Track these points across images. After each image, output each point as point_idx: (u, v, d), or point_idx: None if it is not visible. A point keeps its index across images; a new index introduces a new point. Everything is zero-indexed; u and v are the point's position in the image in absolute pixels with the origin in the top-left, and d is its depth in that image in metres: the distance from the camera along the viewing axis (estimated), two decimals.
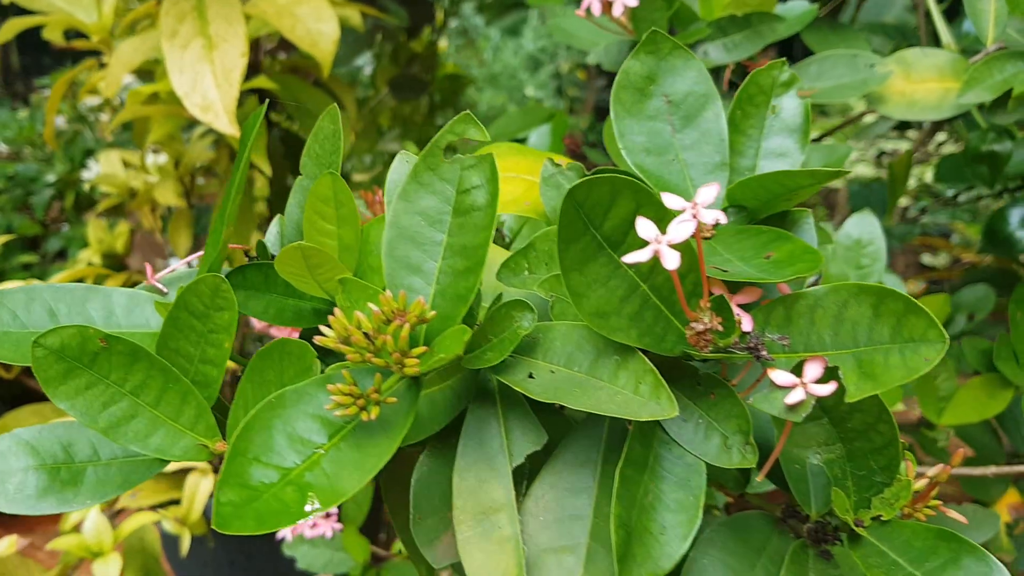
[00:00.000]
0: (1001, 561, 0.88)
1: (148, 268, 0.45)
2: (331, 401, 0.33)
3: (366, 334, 0.32)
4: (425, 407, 0.42)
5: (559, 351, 0.37)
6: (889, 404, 0.52)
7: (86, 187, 1.71)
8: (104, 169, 1.38)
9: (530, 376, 0.37)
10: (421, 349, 0.33)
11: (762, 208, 0.42)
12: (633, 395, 0.35)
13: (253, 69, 1.08)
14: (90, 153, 1.65)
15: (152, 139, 0.99)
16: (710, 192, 0.33)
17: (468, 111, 0.40)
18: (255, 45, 1.08)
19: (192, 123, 1.18)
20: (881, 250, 0.68)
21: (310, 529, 0.91)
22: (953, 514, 0.42)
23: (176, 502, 0.93)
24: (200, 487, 0.92)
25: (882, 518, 0.40)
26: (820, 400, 0.39)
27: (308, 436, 0.33)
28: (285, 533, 0.90)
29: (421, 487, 0.42)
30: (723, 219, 0.33)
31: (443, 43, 2.09)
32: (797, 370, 0.34)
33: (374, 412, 0.32)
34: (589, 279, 0.34)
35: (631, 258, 0.32)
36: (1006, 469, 0.69)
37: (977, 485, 0.85)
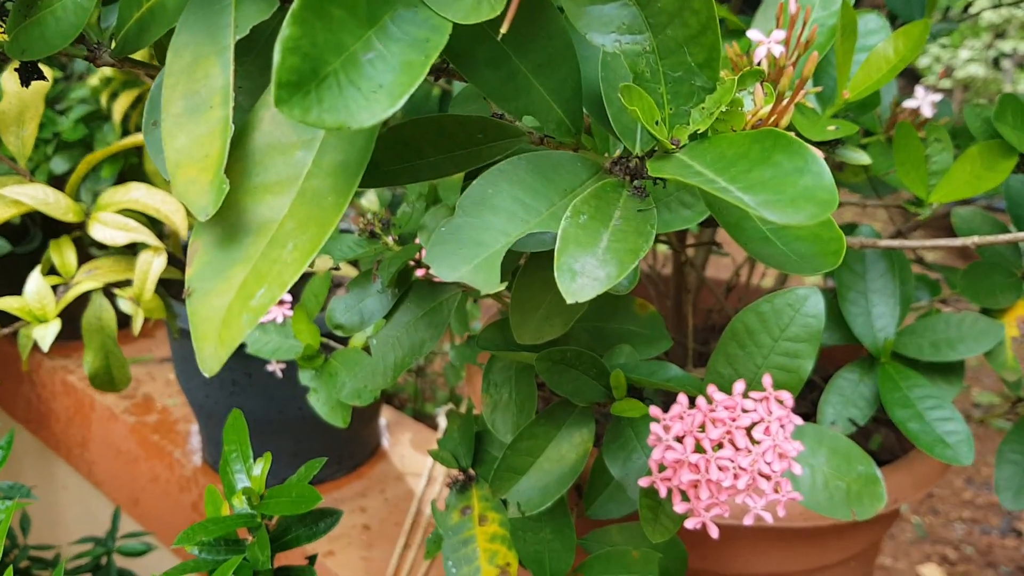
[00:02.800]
0: (1005, 381, 0.77)
1: None
2: None
3: None
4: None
5: None
6: None
7: None
8: None
9: None
10: None
11: None
12: None
13: None
14: None
15: None
16: None
17: None
18: None
19: None
20: None
21: None
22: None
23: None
24: (153, 265, 0.90)
25: (699, 132, 0.32)
26: None
27: None
28: None
29: (157, 90, 0.36)
30: None
31: None
32: None
33: None
34: None
35: None
36: (989, 239, 0.58)
37: (983, 292, 0.75)
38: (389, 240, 0.71)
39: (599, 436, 0.63)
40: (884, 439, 0.86)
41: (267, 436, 1.27)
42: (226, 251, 0.30)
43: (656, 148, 0.33)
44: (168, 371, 1.60)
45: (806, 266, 0.31)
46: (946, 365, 0.73)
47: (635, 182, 0.34)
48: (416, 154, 0.40)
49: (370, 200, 1.34)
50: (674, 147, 0.32)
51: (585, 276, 0.31)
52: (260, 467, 0.58)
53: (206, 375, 0.28)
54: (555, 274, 0.31)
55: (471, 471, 0.72)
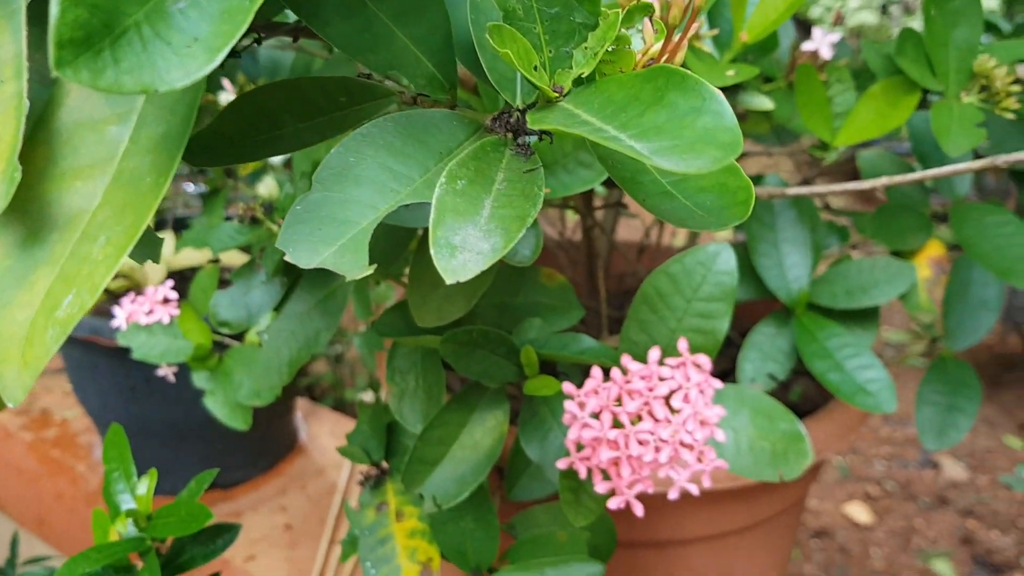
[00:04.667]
0: (920, 321, 0.76)
1: None
2: None
3: None
4: None
5: None
6: None
7: None
8: None
9: None
10: None
11: None
12: None
13: None
14: None
15: None
16: None
17: None
18: None
19: None
20: None
21: (145, 316, 0.81)
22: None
23: None
24: None
25: (584, 76, 0.28)
26: None
27: None
28: (120, 322, 0.80)
29: None
30: None
31: None
32: None
33: None
34: None
35: None
36: (898, 179, 0.56)
37: (894, 234, 0.73)
38: (273, 226, 0.65)
39: (517, 414, 0.59)
40: (804, 389, 0.85)
41: (174, 442, 1.20)
42: (29, 252, 0.25)
43: (538, 98, 0.29)
44: (65, 382, 1.50)
45: (712, 220, 0.27)
46: (861, 312, 0.72)
47: (518, 139, 0.30)
48: (273, 124, 0.35)
49: (268, 186, 1.27)
50: (557, 95, 0.28)
51: (467, 250, 0.27)
52: (145, 485, 0.53)
53: (11, 405, 0.23)
54: (431, 251, 0.27)
55: (384, 465, 0.67)
